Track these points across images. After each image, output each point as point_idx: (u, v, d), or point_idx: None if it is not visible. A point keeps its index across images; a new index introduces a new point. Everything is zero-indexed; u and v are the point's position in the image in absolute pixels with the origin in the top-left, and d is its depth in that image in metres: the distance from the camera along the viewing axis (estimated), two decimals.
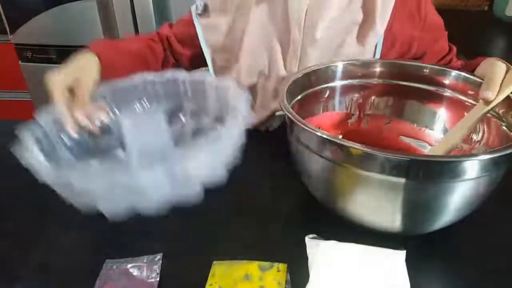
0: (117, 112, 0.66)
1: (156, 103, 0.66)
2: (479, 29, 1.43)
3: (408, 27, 0.72)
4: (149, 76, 0.68)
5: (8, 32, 1.52)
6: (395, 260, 0.48)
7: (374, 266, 0.48)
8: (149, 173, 0.44)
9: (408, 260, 0.48)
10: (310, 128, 0.47)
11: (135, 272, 0.49)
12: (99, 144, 0.63)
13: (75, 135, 0.58)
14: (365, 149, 0.43)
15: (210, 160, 0.49)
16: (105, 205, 0.49)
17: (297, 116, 0.50)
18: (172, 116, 0.64)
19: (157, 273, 0.49)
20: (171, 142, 0.59)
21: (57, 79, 0.59)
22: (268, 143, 0.77)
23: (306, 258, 0.50)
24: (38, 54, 1.55)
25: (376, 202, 0.48)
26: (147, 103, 0.68)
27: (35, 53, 1.55)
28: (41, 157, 0.52)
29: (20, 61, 1.58)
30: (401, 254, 0.49)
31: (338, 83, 0.67)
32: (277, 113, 0.76)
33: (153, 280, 0.48)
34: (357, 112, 0.70)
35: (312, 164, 0.52)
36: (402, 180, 0.44)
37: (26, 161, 0.49)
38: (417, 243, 0.52)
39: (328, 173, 0.51)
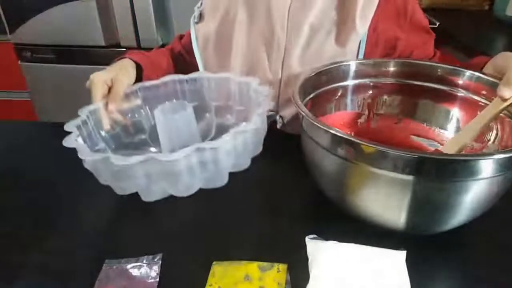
0: (148, 109, 0.70)
1: (184, 100, 0.70)
2: (479, 29, 1.43)
3: (393, 27, 0.72)
4: (176, 76, 0.72)
5: (8, 31, 1.52)
6: (395, 260, 0.48)
7: (375, 266, 0.48)
8: (184, 158, 0.48)
9: (408, 260, 0.48)
10: (324, 126, 0.48)
11: (135, 272, 0.49)
12: (132, 140, 0.68)
13: (108, 127, 0.62)
14: (378, 146, 0.44)
15: (237, 149, 0.53)
16: (141, 187, 0.53)
17: (310, 114, 0.50)
18: (197, 114, 0.68)
19: (157, 273, 0.49)
20: (199, 137, 0.63)
21: (98, 75, 0.64)
22: (266, 144, 0.77)
23: (306, 258, 0.50)
24: (38, 54, 1.55)
25: (388, 200, 0.48)
26: (198, 97, 0.73)
27: (35, 53, 1.55)
28: (81, 140, 0.56)
29: (19, 61, 1.58)
30: (401, 254, 0.49)
31: (350, 82, 0.67)
32: (267, 114, 0.76)
33: (153, 280, 0.48)
34: (368, 112, 0.70)
35: (325, 162, 0.52)
36: (415, 179, 0.44)
37: (70, 142, 0.53)
38: (417, 243, 0.52)
39: (341, 171, 0.51)
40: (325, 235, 0.53)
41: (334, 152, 0.48)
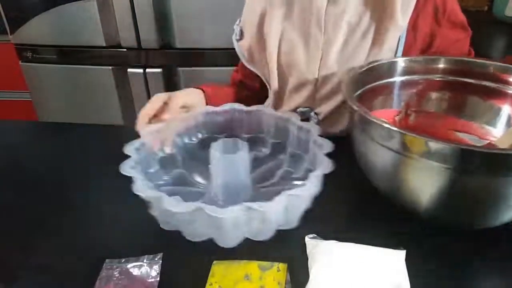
0: (179, 141, 0.69)
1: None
2: (479, 29, 1.43)
3: (431, 22, 0.71)
4: (210, 108, 0.72)
5: (8, 32, 1.52)
6: (395, 260, 0.49)
7: (374, 265, 0.48)
8: (232, 214, 0.48)
9: (408, 260, 0.48)
10: (378, 121, 0.49)
11: (135, 272, 0.49)
12: (170, 175, 0.66)
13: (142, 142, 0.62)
14: (434, 140, 0.44)
15: (288, 210, 0.53)
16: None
17: (366, 109, 0.51)
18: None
19: (157, 273, 0.49)
20: (250, 178, 0.62)
21: (158, 94, 0.67)
22: None
23: (306, 258, 0.50)
24: (38, 54, 1.55)
25: (443, 194, 0.49)
26: (230, 129, 0.73)
27: (35, 53, 1.55)
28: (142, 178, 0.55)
29: (20, 61, 1.58)
30: (401, 254, 0.49)
31: (398, 79, 0.68)
32: (298, 110, 0.77)
33: (153, 280, 0.48)
34: (406, 108, 0.70)
35: (378, 156, 0.53)
36: (470, 173, 0.45)
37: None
38: (417, 242, 0.52)
39: (394, 165, 0.51)
40: (325, 235, 0.53)
41: (387, 145, 0.49)
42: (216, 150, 0.59)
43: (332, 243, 0.51)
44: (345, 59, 0.72)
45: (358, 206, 0.60)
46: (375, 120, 0.49)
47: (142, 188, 0.52)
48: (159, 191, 0.52)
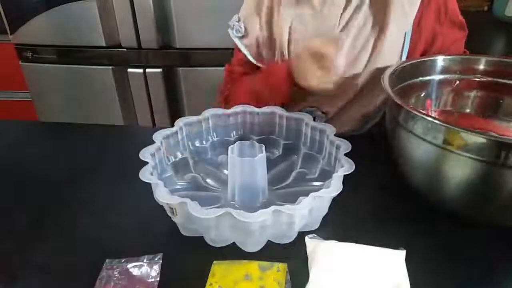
0: (190, 145, 0.68)
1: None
2: (479, 29, 1.43)
3: (433, 21, 0.72)
4: (220, 110, 0.70)
5: (8, 32, 1.52)
6: (395, 260, 0.49)
7: (374, 265, 0.48)
8: (260, 218, 0.47)
9: (408, 260, 0.48)
10: (423, 115, 0.49)
11: (135, 272, 0.49)
12: (183, 180, 0.65)
13: None
14: (483, 135, 0.45)
15: (312, 212, 0.53)
16: (212, 237, 0.53)
17: (411, 106, 0.52)
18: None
19: (157, 273, 0.49)
20: (267, 181, 0.61)
21: None
22: None
23: (306, 258, 0.50)
24: (38, 54, 1.55)
25: (483, 190, 0.49)
26: (241, 131, 0.72)
27: (35, 53, 1.55)
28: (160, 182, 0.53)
29: (20, 61, 1.58)
30: (401, 254, 0.49)
31: (435, 77, 0.69)
32: (305, 109, 0.77)
33: (153, 279, 0.48)
34: (434, 109, 0.71)
35: (418, 149, 0.53)
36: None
37: (146, 178, 0.53)
38: (417, 242, 0.52)
39: (436, 160, 0.52)
40: (325, 235, 0.53)
41: (430, 140, 0.50)
42: (234, 154, 0.58)
43: (332, 243, 0.51)
44: (352, 59, 0.72)
45: (357, 206, 0.60)
46: (419, 114, 0.50)
47: (165, 195, 0.51)
48: (178, 196, 0.51)
